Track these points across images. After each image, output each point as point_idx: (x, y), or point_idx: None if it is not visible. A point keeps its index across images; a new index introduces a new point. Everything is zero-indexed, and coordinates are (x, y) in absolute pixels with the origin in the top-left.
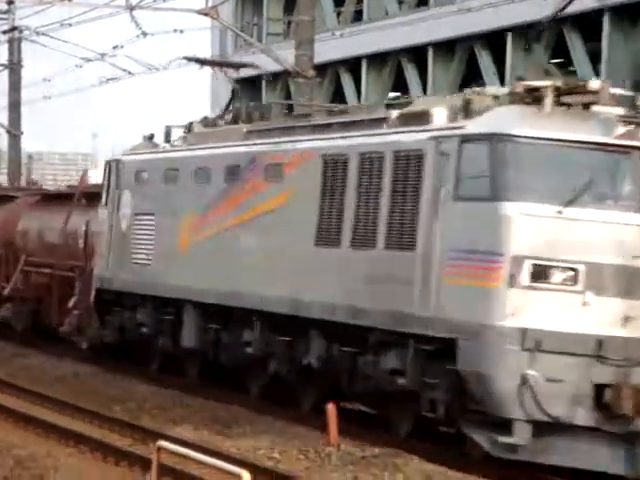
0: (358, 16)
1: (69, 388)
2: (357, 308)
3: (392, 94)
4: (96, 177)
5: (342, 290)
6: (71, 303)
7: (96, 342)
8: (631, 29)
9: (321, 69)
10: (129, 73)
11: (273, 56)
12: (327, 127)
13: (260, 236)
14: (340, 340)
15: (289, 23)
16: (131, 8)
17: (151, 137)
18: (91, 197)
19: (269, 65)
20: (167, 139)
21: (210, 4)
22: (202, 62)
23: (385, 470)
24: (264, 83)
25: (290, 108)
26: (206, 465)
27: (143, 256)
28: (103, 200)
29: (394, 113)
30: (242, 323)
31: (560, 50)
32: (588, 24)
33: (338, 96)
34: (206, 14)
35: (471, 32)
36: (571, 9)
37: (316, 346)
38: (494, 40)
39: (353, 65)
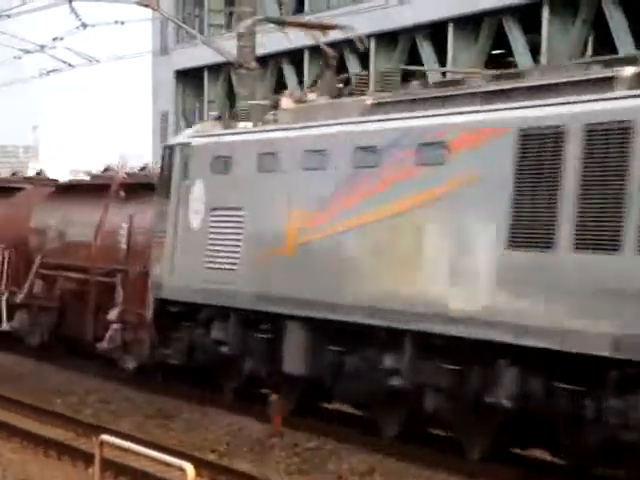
0: (300, 7)
1: (9, 383)
2: (594, 333)
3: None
4: (34, 169)
5: (562, 307)
6: (113, 315)
7: (148, 362)
8: (570, 20)
9: (263, 61)
10: (69, 65)
11: (215, 48)
12: (502, 94)
13: (413, 237)
14: (550, 373)
15: (230, 14)
16: None
17: (219, 117)
18: (133, 189)
19: (211, 57)
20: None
21: None
22: (282, 23)
23: (329, 461)
24: (206, 74)
25: (405, 76)
26: (150, 459)
27: (225, 260)
28: (160, 192)
29: (626, 71)
30: (382, 346)
31: (500, 41)
32: (528, 15)
33: (280, 88)
34: (147, 5)
35: (413, 23)
36: (511, 1)
37: (510, 380)
38: (436, 31)
39: (295, 57)
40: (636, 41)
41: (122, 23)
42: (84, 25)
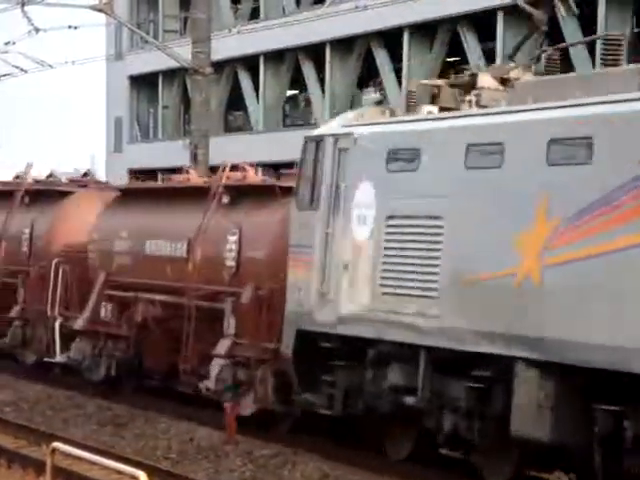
0: (255, 13)
1: None
2: None
3: (290, 91)
4: None
5: None
6: (222, 348)
7: (274, 408)
8: (525, 29)
9: (218, 66)
10: (22, 70)
11: (169, 53)
12: None
13: None
14: None
15: (185, 20)
16: (22, 4)
17: (380, 102)
18: (238, 191)
19: (165, 62)
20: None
21: (104, 0)
22: None
23: (284, 468)
24: (161, 80)
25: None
26: (102, 467)
27: (413, 283)
28: (301, 198)
29: None
30: None
31: (456, 49)
32: (482, 23)
33: (235, 93)
34: (100, 10)
35: (368, 30)
36: (466, 8)
37: None
38: (391, 38)
39: (251, 62)
40: (589, 48)
41: (75, 28)
42: (37, 30)
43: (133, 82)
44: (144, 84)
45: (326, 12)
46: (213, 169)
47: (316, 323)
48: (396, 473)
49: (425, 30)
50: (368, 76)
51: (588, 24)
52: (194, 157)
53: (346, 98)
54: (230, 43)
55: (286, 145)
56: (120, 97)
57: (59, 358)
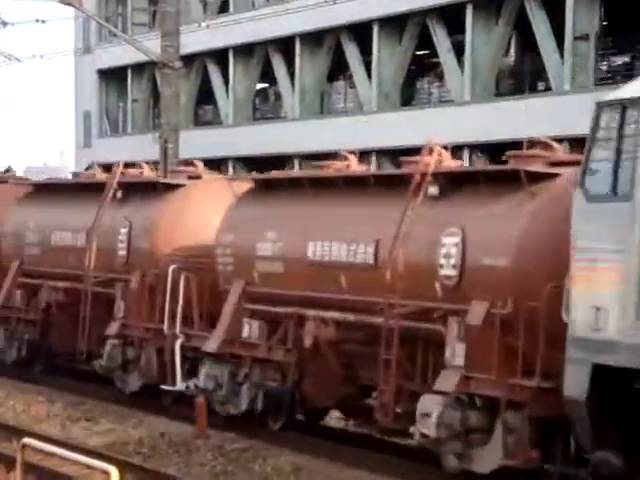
0: (224, 7)
1: None
2: None
3: (260, 85)
4: None
5: None
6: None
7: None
8: (493, 21)
9: (188, 60)
10: None
11: (138, 47)
12: None
13: None
14: None
15: (154, 13)
16: None
17: None
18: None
19: (134, 56)
20: None
21: None
22: None
23: (255, 462)
24: (130, 74)
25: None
26: (73, 462)
27: None
28: (596, 185)
29: None
30: None
31: (425, 41)
32: (452, 16)
33: (205, 87)
34: (69, 3)
35: (338, 23)
36: (435, 1)
37: None
38: (361, 31)
39: (220, 56)
40: (558, 41)
41: (44, 22)
42: (4, 23)
43: (102, 76)
44: (113, 78)
45: (296, 6)
46: (184, 163)
47: (631, 355)
48: (368, 467)
49: (394, 23)
50: (338, 69)
51: (557, 17)
52: (164, 151)
53: (316, 92)
54: (199, 37)
55: (256, 139)
56: (89, 91)
57: (180, 385)
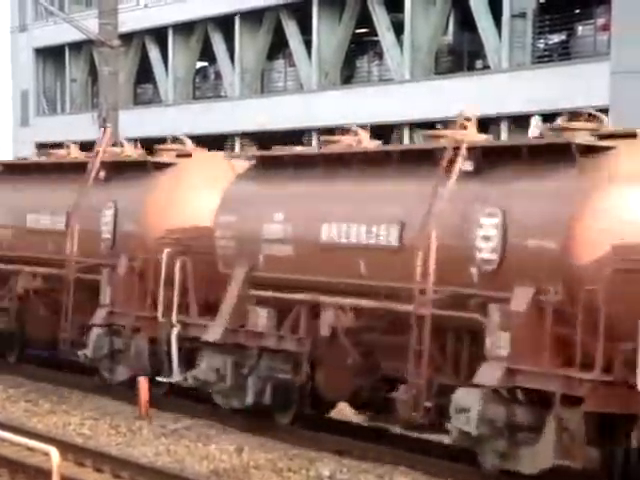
0: None
1: None
2: None
3: (200, 64)
4: None
5: None
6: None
7: None
8: (431, 1)
9: (126, 38)
10: None
11: (76, 25)
12: None
13: None
14: None
15: None
16: None
17: None
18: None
19: (72, 35)
20: None
21: None
22: None
23: (198, 441)
24: (67, 52)
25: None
26: (13, 443)
27: None
28: None
29: None
30: None
31: (364, 20)
32: None
33: (144, 66)
34: None
35: (277, 2)
36: None
37: None
38: (301, 9)
39: (159, 34)
40: (495, 19)
41: None
42: None
43: (39, 54)
44: (50, 57)
45: None
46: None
47: None
48: (307, 445)
49: (334, 2)
50: (278, 48)
51: None
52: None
53: (256, 70)
54: (138, 15)
55: (196, 118)
56: (26, 70)
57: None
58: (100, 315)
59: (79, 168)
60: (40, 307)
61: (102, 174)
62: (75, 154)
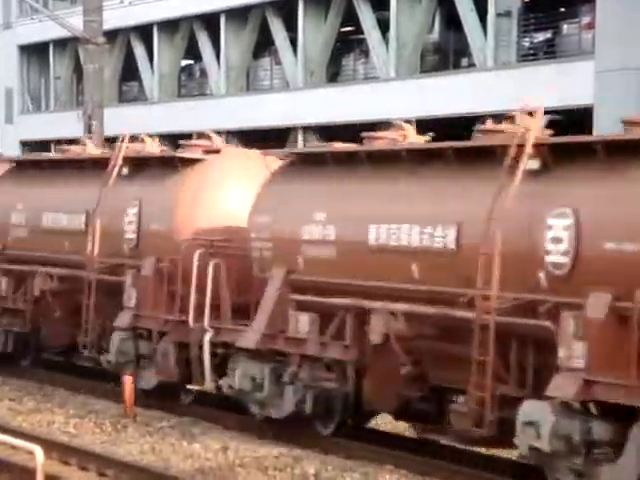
0: None
1: None
2: None
3: (185, 61)
4: None
5: None
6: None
7: None
8: None
9: (111, 35)
10: None
11: (60, 22)
12: None
13: None
14: None
15: None
16: None
17: None
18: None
19: (57, 32)
20: None
21: None
22: None
23: (183, 440)
24: (52, 50)
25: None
26: None
27: None
28: None
29: None
30: None
31: (350, 18)
32: None
33: (129, 63)
34: None
35: (263, 0)
36: None
37: None
38: (286, 7)
39: (144, 31)
40: (481, 18)
41: None
42: None
43: (23, 52)
44: (35, 54)
45: None
46: (109, 140)
47: None
48: (292, 443)
49: (320, 0)
50: (263, 46)
51: None
52: (88, 128)
53: (242, 68)
54: (123, 12)
55: (182, 115)
56: (10, 67)
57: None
58: (124, 318)
59: (98, 165)
60: (57, 309)
61: (125, 171)
62: (91, 150)
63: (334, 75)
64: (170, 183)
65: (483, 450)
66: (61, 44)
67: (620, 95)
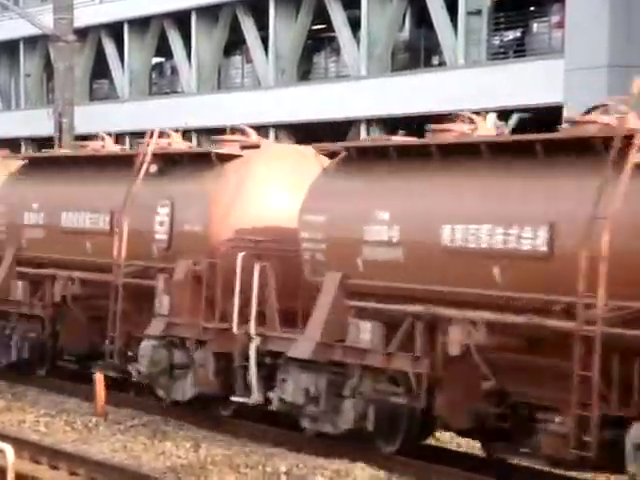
0: None
1: None
2: None
3: (156, 59)
4: None
5: None
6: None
7: None
8: None
9: (82, 33)
10: None
11: (31, 20)
12: None
13: None
14: None
15: None
16: None
17: None
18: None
19: (27, 29)
20: None
21: None
22: None
23: (154, 437)
24: (22, 47)
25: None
26: None
27: None
28: None
29: None
30: None
31: (321, 16)
32: None
33: (100, 61)
34: None
35: None
36: None
37: None
38: (257, 5)
39: (115, 29)
40: (451, 16)
41: None
42: None
43: None
44: (5, 51)
45: None
46: (80, 138)
47: None
48: (264, 440)
49: None
50: (235, 44)
51: None
52: (59, 126)
53: (213, 66)
54: (93, 10)
55: (153, 113)
56: None
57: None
58: (157, 326)
59: (122, 161)
60: (77, 315)
61: (153, 168)
62: (110, 146)
63: (305, 73)
64: (206, 181)
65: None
66: (31, 42)
67: (589, 93)
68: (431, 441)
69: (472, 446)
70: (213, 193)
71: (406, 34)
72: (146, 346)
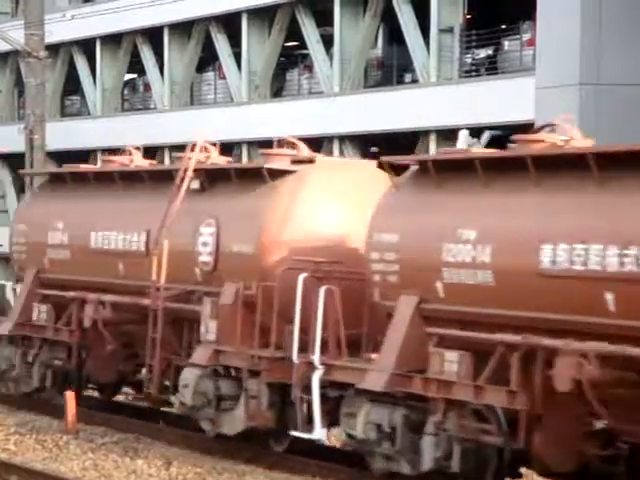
0: None
1: None
2: None
3: (129, 75)
4: None
5: None
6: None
7: None
8: (361, 13)
9: (53, 49)
10: None
11: (2, 36)
12: None
13: None
14: None
15: (17, 1)
16: None
17: None
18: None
19: None
20: None
21: None
22: None
23: (126, 456)
24: None
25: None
26: None
27: None
28: None
29: None
30: None
31: (294, 33)
32: (320, 8)
33: (72, 77)
34: None
35: (207, 13)
36: None
37: None
38: (230, 22)
39: (87, 46)
40: (424, 34)
41: None
42: None
43: None
44: None
45: None
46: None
47: None
48: (236, 458)
49: (263, 14)
50: (207, 61)
51: (422, 10)
52: (30, 142)
53: (185, 82)
54: (65, 26)
55: (125, 130)
56: None
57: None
58: (203, 354)
59: (158, 177)
60: (108, 342)
61: (195, 184)
62: (139, 161)
63: (278, 90)
64: (256, 198)
65: None
66: (2, 57)
67: (560, 111)
68: None
69: None
70: (264, 212)
71: (379, 51)
72: (189, 375)
